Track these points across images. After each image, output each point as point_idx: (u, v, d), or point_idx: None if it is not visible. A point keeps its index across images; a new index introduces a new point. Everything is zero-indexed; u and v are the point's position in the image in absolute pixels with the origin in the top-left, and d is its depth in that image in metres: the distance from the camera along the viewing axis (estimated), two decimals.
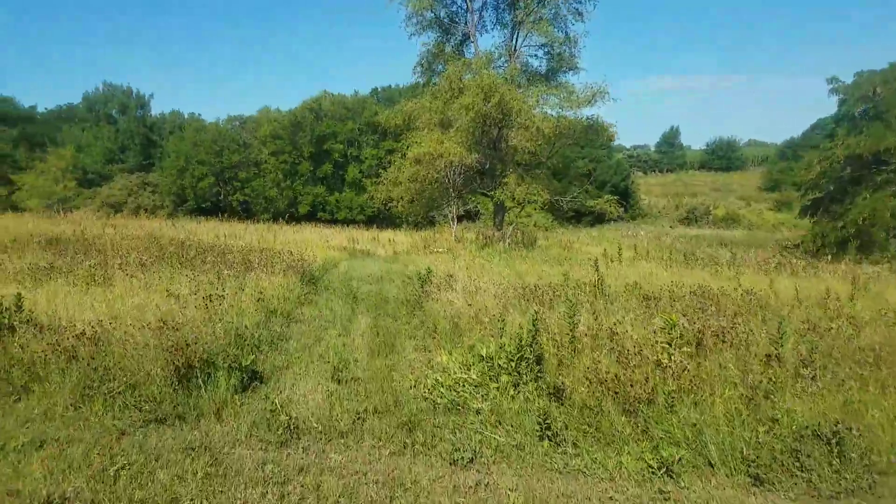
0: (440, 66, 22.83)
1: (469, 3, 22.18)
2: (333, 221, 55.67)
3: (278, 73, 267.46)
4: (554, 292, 9.95)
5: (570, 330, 6.40)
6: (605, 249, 21.91)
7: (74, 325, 6.95)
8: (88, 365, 5.94)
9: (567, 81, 20.76)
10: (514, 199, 19.49)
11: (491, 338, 6.86)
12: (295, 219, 57.79)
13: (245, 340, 7.46)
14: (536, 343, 5.93)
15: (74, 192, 49.23)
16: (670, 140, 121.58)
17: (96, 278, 10.55)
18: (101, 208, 60.33)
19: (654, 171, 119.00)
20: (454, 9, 22.89)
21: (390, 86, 73.03)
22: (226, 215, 57.55)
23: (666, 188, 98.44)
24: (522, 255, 17.72)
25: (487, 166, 21.20)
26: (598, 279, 10.58)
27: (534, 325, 6.06)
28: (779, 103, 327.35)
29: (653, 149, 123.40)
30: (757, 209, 78.47)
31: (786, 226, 69.31)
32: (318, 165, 59.69)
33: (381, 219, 57.89)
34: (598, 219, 67.18)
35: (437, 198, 22.78)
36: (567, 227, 61.17)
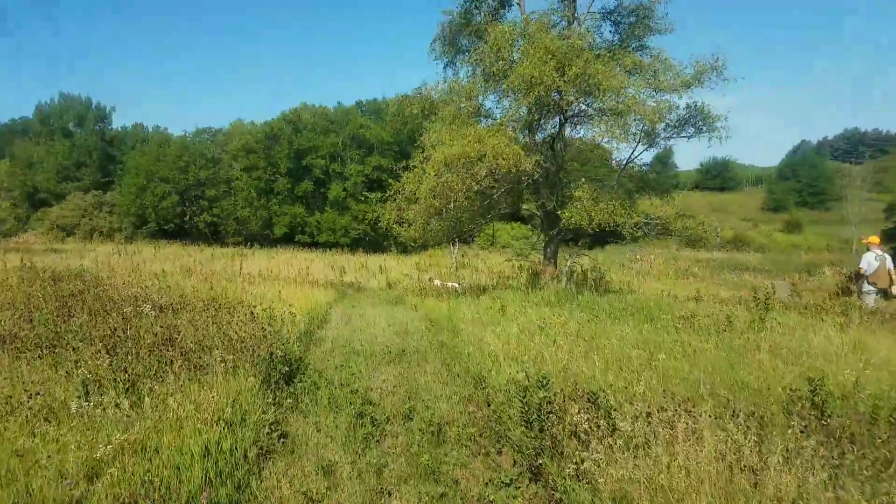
0: (465, 42, 16.92)
1: None
2: (314, 244, 49.45)
3: (255, 86, 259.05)
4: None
5: None
6: (697, 290, 16.18)
7: None
8: None
9: (661, 53, 15.01)
10: (591, 220, 13.58)
11: None
12: (270, 242, 51.65)
13: None
14: None
15: (9, 214, 42.24)
16: (664, 159, 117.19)
17: None
18: (51, 231, 53.80)
19: (646, 190, 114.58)
20: None
21: (376, 98, 67.26)
22: (190, 239, 51.42)
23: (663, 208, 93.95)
24: (605, 306, 11.85)
25: (541, 174, 15.17)
26: None
27: None
28: (758, 126, 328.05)
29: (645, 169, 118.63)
30: (765, 231, 74.03)
31: (801, 248, 65.18)
32: (297, 182, 53.59)
33: (368, 241, 51.85)
34: (598, 240, 61.74)
35: (468, 219, 16.65)
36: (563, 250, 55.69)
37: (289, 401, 6.38)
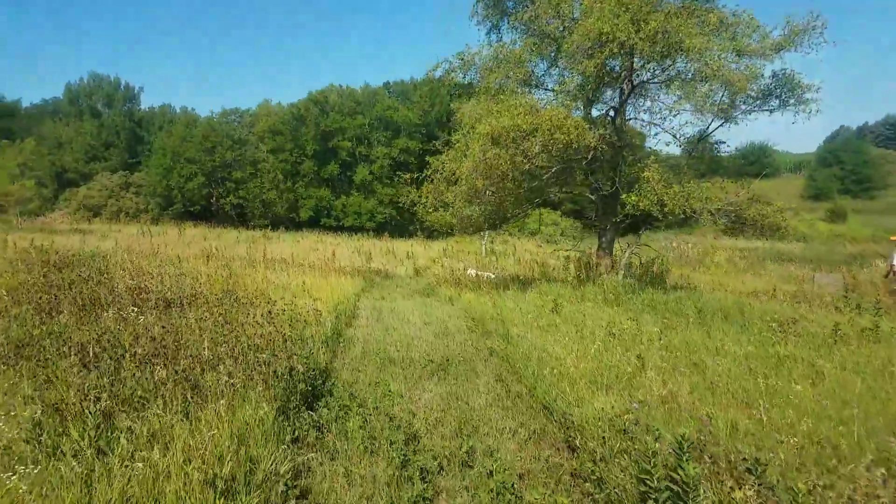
0: (511, 3, 14.96)
1: None
2: (339, 228, 48.14)
3: (282, 67, 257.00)
4: None
5: None
6: (773, 288, 14.48)
7: None
8: None
9: (744, 12, 13.02)
10: (662, 205, 11.87)
11: None
12: (296, 225, 50.57)
13: None
14: None
15: (34, 193, 41.64)
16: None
17: None
18: (78, 211, 53.44)
19: (719, 172, 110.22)
20: None
21: (403, 80, 65.46)
22: (216, 221, 50.52)
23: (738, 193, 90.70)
24: (674, 307, 10.25)
25: (602, 152, 13.31)
26: None
27: None
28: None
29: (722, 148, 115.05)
30: (808, 220, 70.83)
31: (844, 238, 62.40)
32: (323, 165, 52.27)
33: (393, 226, 50.46)
34: (631, 227, 59.40)
35: (512, 203, 14.94)
36: (584, 237, 53.32)
37: (312, 435, 4.94)
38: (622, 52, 11.64)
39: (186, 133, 54.14)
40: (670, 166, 13.79)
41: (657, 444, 3.63)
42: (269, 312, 7.44)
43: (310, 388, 5.71)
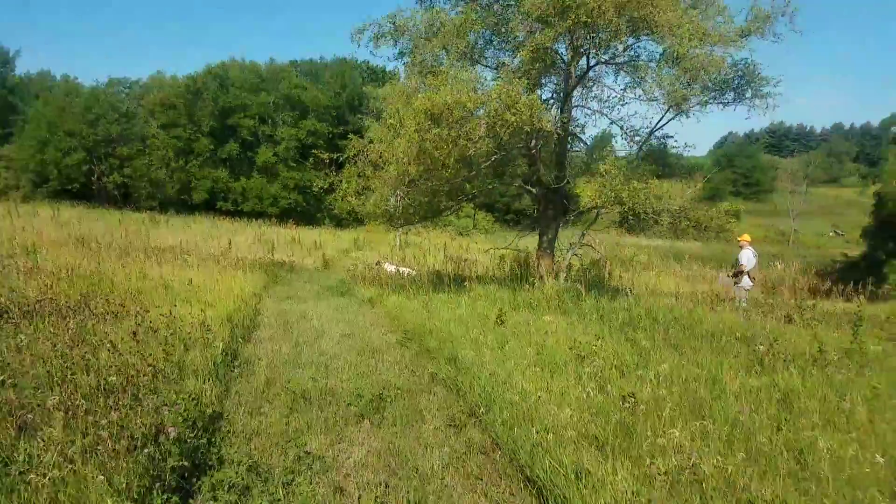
0: None
1: None
2: (237, 213, 44.86)
3: (177, 36, 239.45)
4: None
5: None
6: (715, 294, 13.68)
7: None
8: None
9: None
10: (620, 202, 10.56)
11: None
12: (188, 208, 46.72)
13: None
14: None
15: None
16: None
17: None
18: None
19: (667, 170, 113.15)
20: None
21: (312, 59, 62.25)
22: (98, 202, 45.79)
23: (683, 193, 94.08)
24: (625, 316, 9.03)
25: (555, 139, 11.77)
26: None
27: None
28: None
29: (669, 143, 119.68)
30: None
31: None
32: (221, 144, 48.47)
33: (299, 212, 47.60)
34: (538, 221, 59.29)
35: (447, 194, 12.79)
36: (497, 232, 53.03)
37: None
38: (587, 20, 10.09)
39: (66, 103, 48.71)
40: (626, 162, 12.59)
41: None
42: (135, 334, 5.42)
43: (188, 461, 3.84)
